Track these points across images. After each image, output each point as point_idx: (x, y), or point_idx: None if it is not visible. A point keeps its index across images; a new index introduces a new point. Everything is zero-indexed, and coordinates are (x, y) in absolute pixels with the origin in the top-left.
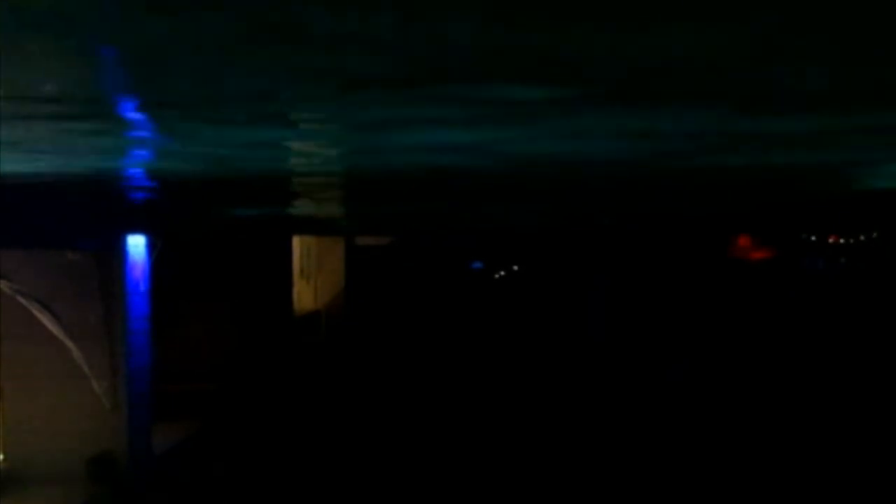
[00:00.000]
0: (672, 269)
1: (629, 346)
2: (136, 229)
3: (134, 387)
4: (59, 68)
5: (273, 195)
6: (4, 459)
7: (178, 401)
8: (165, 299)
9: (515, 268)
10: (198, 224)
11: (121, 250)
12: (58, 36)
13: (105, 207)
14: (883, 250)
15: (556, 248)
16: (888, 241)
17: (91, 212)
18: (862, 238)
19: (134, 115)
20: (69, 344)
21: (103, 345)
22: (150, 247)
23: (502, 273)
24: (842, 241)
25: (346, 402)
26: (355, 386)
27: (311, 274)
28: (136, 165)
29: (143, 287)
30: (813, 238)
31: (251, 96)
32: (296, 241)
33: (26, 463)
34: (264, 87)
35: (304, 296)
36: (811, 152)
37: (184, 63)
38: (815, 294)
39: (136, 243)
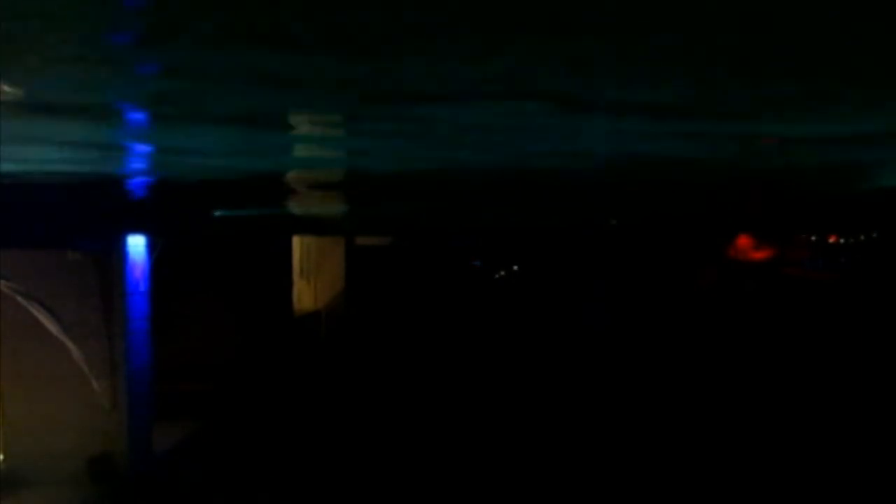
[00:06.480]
0: (672, 270)
1: (629, 348)
2: (136, 229)
3: (134, 386)
4: (61, 70)
5: (273, 195)
6: (4, 459)
7: (178, 401)
8: (165, 299)
9: (515, 268)
10: (198, 224)
11: (121, 250)
12: (62, 38)
13: (105, 207)
14: (883, 250)
15: (557, 248)
16: (888, 241)
17: (91, 212)
18: (862, 238)
19: (135, 116)
20: (69, 344)
21: (103, 345)
22: (150, 247)
23: (502, 273)
24: (842, 241)
25: (347, 401)
26: (355, 385)
27: (311, 274)
28: (137, 166)
29: (143, 287)
30: (813, 238)
31: (253, 98)
32: (296, 241)
33: (26, 463)
34: (267, 91)
35: (304, 296)
36: (812, 152)
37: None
38: (814, 293)
39: (136, 243)
